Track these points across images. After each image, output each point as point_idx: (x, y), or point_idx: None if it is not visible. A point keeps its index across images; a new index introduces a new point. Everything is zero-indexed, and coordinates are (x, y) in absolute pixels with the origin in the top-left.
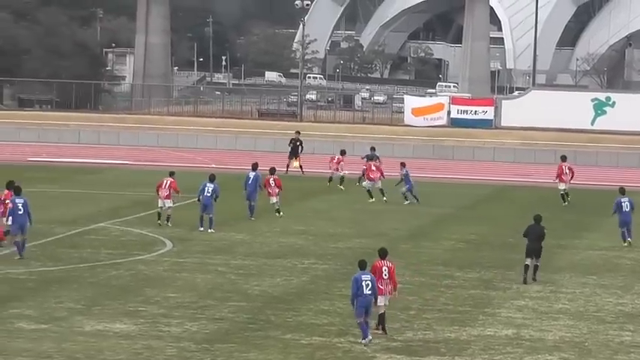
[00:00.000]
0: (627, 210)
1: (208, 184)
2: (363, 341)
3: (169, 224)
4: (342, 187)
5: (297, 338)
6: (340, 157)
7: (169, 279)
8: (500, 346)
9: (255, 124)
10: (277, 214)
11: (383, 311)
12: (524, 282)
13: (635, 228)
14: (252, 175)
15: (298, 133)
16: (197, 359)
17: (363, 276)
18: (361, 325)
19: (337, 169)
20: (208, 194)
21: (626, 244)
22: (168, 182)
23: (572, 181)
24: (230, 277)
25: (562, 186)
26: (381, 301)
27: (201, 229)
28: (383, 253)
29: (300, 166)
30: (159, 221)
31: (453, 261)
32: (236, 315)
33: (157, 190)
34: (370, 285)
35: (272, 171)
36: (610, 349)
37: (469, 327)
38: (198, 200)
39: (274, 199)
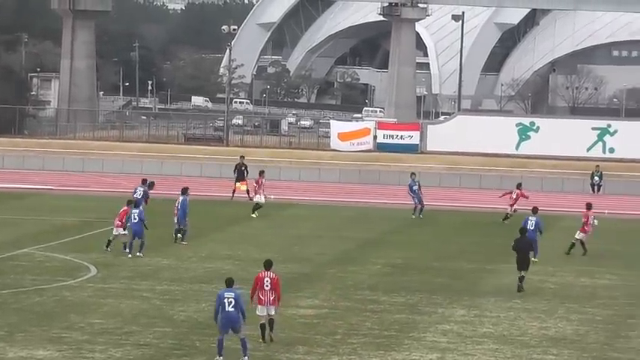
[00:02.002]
0: (531, 228)
1: (134, 210)
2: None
3: (109, 249)
4: (255, 214)
5: None
6: (258, 177)
7: (94, 305)
8: None
9: (181, 148)
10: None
11: (263, 322)
12: (519, 291)
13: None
14: (181, 199)
15: (243, 157)
16: None
17: (226, 293)
18: (218, 343)
19: (256, 192)
20: (135, 220)
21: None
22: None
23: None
24: (155, 302)
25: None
26: (261, 311)
27: (129, 255)
28: (268, 265)
29: (247, 191)
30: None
31: (378, 285)
32: (161, 341)
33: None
34: (233, 302)
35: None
36: None
37: (394, 351)
38: (124, 229)
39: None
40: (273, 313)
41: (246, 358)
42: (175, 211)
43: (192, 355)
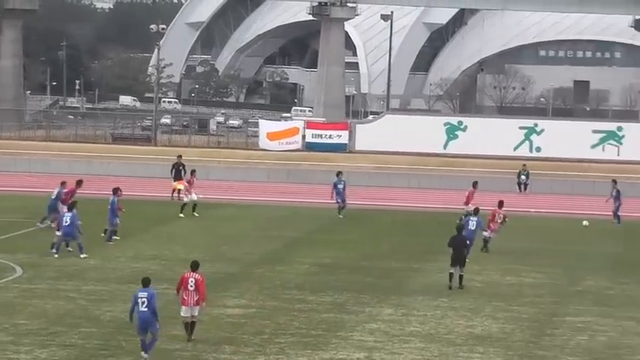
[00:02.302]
0: (472, 228)
1: (67, 214)
2: (144, 355)
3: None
4: (196, 213)
5: None
6: (190, 177)
7: (19, 305)
8: None
9: (109, 148)
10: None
11: (188, 321)
12: (450, 289)
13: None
14: (112, 199)
15: (180, 157)
16: None
17: (140, 293)
18: (141, 344)
19: (188, 192)
20: (67, 224)
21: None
22: None
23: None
24: (81, 302)
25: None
26: (185, 312)
27: (56, 255)
28: (194, 266)
29: (179, 190)
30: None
31: (306, 285)
32: (87, 341)
33: None
34: (147, 302)
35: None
36: None
37: (322, 350)
38: (58, 230)
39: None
40: (196, 314)
41: (146, 355)
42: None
43: (118, 355)
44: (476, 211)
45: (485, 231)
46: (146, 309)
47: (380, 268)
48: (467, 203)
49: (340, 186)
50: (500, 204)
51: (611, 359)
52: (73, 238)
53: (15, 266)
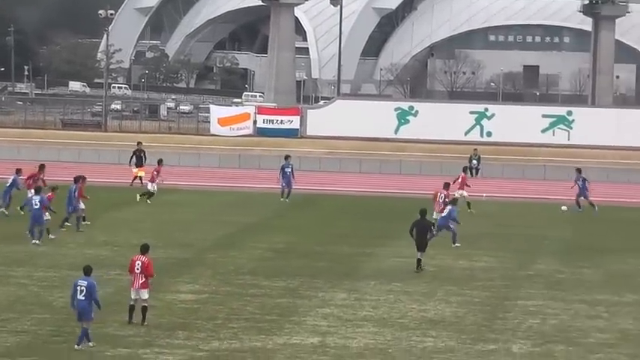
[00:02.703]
0: (444, 215)
1: (35, 197)
2: (76, 347)
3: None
4: (149, 201)
5: (102, 350)
6: (158, 166)
7: None
8: (306, 354)
9: (58, 134)
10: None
11: (132, 303)
12: (416, 271)
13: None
14: (72, 187)
15: (140, 143)
16: None
17: (79, 281)
18: (82, 331)
19: (152, 180)
20: (37, 206)
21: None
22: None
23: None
24: (33, 289)
25: (464, 193)
26: (132, 294)
27: (35, 241)
28: (144, 249)
29: (140, 177)
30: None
31: (259, 270)
32: (39, 327)
33: None
34: (85, 291)
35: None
36: (413, 355)
37: (275, 335)
38: (21, 209)
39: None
40: (145, 297)
41: (79, 347)
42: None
43: (71, 341)
44: (453, 202)
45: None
46: (83, 297)
47: (333, 253)
48: (461, 188)
49: (288, 170)
50: (445, 185)
51: (563, 342)
52: (39, 224)
53: None
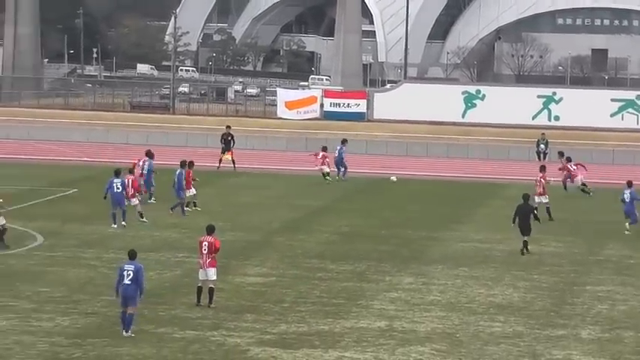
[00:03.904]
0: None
1: (115, 180)
2: (125, 334)
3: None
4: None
5: (171, 332)
6: (324, 153)
7: (40, 273)
8: (373, 338)
9: (126, 116)
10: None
11: (200, 285)
12: (522, 254)
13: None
14: (178, 171)
15: (229, 127)
16: (68, 354)
17: (126, 265)
18: (122, 316)
19: (323, 163)
20: (118, 190)
21: None
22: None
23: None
24: (102, 271)
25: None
26: (201, 275)
27: (114, 226)
28: (209, 230)
29: (233, 160)
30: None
31: (326, 253)
32: (108, 309)
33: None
34: (132, 275)
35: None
36: (480, 340)
37: (342, 319)
38: (105, 198)
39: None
40: (213, 277)
41: (129, 333)
42: (173, 183)
43: (139, 323)
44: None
45: (540, 195)
46: (130, 282)
47: (399, 236)
48: (579, 174)
49: (343, 154)
50: (542, 169)
51: (633, 328)
52: (121, 207)
53: (36, 234)
